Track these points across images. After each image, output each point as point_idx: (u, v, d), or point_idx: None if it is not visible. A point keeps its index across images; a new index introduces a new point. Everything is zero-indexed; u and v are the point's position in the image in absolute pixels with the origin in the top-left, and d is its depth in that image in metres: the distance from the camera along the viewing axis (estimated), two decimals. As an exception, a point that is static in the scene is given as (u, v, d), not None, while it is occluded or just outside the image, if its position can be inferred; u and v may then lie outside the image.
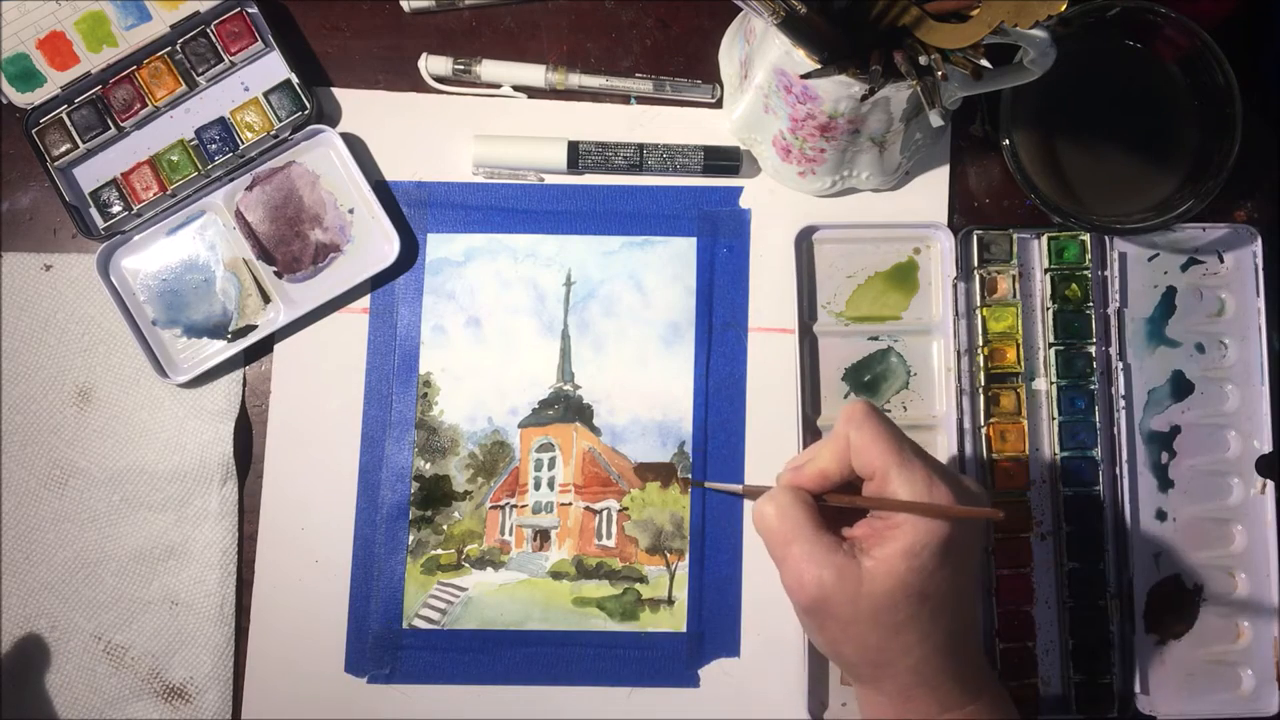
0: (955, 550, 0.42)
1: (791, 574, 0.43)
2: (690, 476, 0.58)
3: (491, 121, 0.61)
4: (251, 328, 0.59)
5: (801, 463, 0.45)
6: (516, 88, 0.61)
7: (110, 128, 0.58)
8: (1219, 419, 0.59)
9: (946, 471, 0.43)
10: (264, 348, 0.59)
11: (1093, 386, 0.58)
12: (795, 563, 0.42)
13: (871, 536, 0.43)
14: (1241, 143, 0.55)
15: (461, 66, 0.60)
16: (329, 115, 0.61)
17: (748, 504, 0.59)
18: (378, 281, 0.60)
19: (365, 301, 0.60)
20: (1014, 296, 0.59)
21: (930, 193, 0.61)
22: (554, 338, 0.60)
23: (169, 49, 0.59)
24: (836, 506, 0.44)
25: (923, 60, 0.45)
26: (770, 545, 0.44)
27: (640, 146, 0.59)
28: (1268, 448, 0.59)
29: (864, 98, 0.49)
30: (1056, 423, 0.58)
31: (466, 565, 0.58)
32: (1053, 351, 0.59)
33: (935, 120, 0.46)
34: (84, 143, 0.58)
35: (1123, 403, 0.58)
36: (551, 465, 0.59)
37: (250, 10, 0.58)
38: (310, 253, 0.59)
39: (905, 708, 0.43)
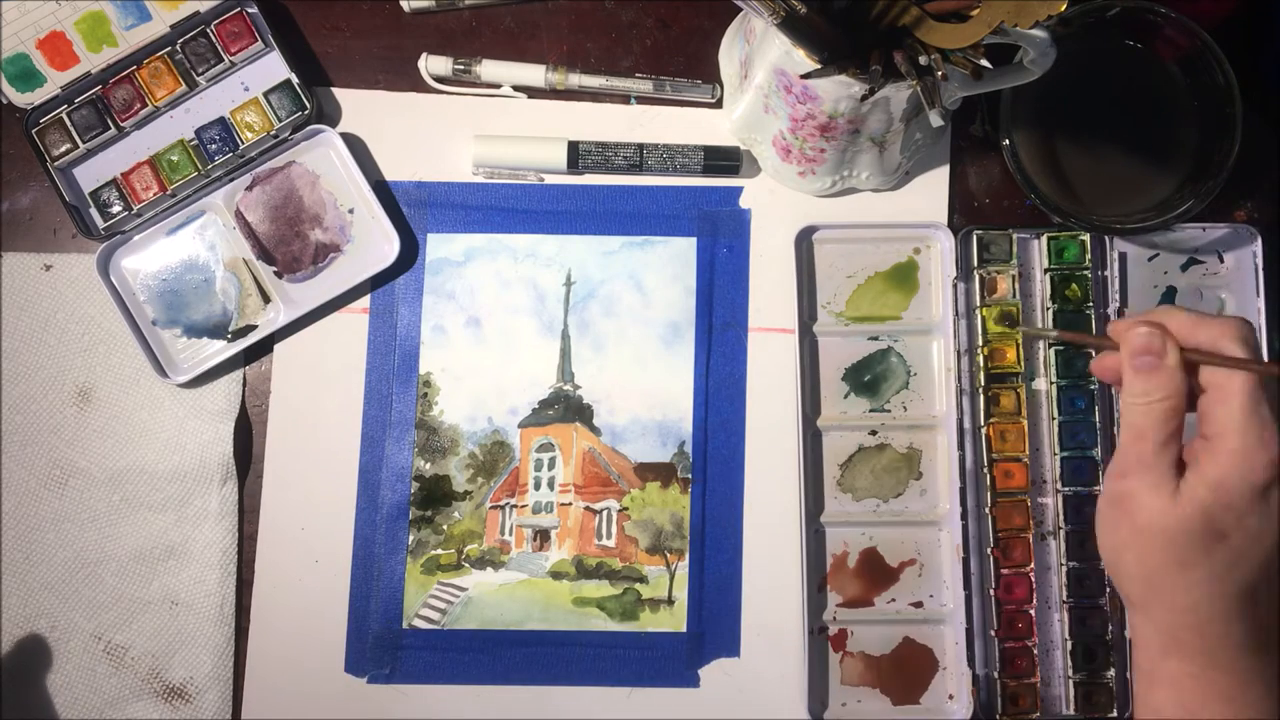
0: (1272, 501, 0.39)
1: (1121, 460, 0.41)
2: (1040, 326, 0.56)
3: (491, 121, 0.61)
4: (251, 328, 0.59)
5: (1180, 325, 0.40)
6: (516, 88, 0.61)
7: (110, 128, 0.58)
8: (1219, 419, 0.59)
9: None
10: (264, 348, 0.59)
11: (1093, 386, 0.58)
12: (1129, 456, 0.40)
13: (1189, 457, 0.40)
14: (1241, 143, 0.55)
15: (461, 66, 0.60)
16: (329, 115, 0.61)
17: (749, 502, 0.59)
18: (378, 281, 0.60)
19: (365, 301, 0.60)
20: (1014, 296, 0.59)
21: (930, 193, 0.61)
22: (554, 338, 0.60)
23: (169, 49, 0.59)
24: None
25: (923, 60, 0.45)
26: (1129, 421, 0.41)
27: (640, 146, 0.59)
28: (1268, 448, 0.59)
29: (864, 98, 0.49)
30: (1056, 423, 0.58)
31: (466, 565, 0.58)
32: (1053, 351, 0.59)
33: (935, 120, 0.46)
34: (84, 143, 0.58)
35: (1123, 403, 0.58)
36: (551, 465, 0.59)
37: (250, 10, 0.58)
38: (310, 253, 0.59)
39: (1168, 646, 0.40)
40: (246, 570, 0.58)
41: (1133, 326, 0.41)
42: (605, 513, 0.59)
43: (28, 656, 0.57)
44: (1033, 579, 0.58)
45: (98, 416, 0.59)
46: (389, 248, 0.59)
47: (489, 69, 0.60)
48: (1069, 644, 0.57)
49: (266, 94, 0.59)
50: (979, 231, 0.59)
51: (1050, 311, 0.59)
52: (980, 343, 0.58)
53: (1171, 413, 0.40)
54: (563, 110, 0.61)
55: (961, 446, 0.58)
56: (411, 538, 0.58)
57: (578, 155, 0.59)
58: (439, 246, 0.60)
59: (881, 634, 0.58)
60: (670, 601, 0.58)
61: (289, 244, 0.59)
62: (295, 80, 0.58)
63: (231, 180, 0.59)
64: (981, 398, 0.58)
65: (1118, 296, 0.59)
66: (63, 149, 0.58)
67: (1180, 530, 0.39)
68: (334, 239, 0.59)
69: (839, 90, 0.49)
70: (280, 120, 0.58)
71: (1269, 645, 0.40)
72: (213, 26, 0.58)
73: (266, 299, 0.59)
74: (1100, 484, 0.58)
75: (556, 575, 0.58)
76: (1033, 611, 0.57)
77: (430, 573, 0.58)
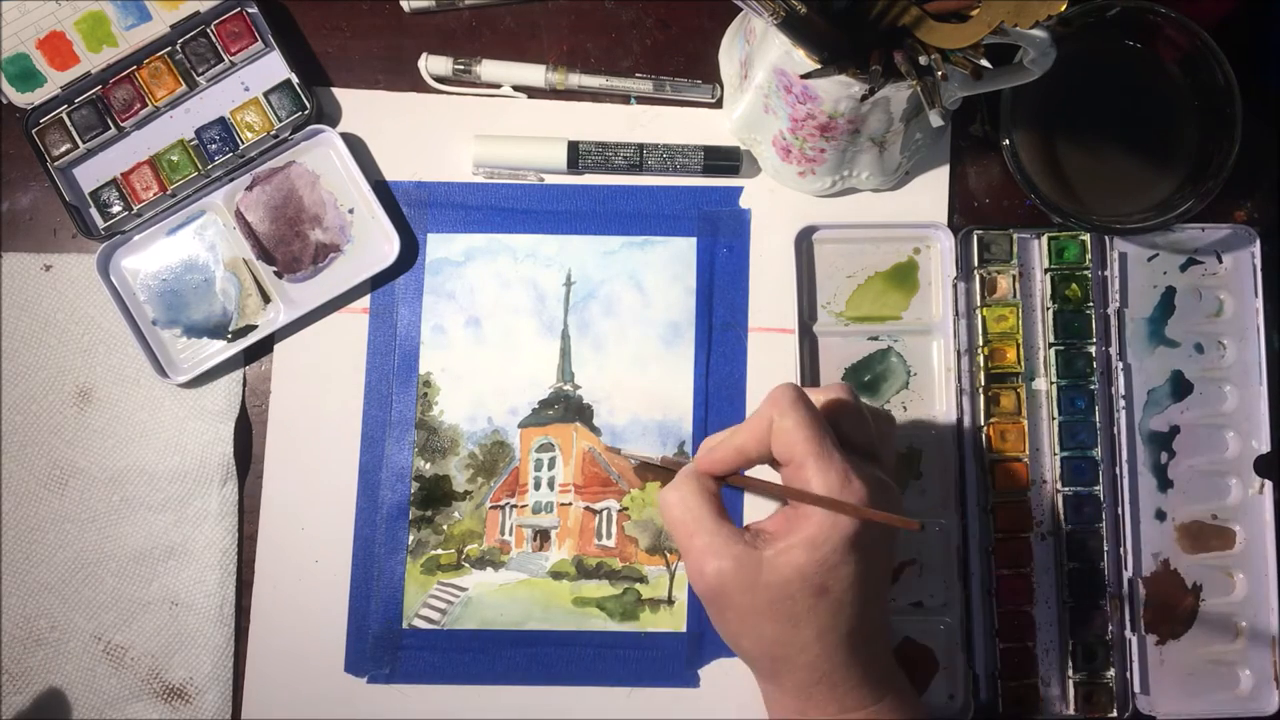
0: (862, 547, 0.41)
1: (693, 564, 0.42)
2: (615, 447, 0.59)
3: (491, 121, 0.61)
4: (251, 328, 0.59)
5: (717, 442, 0.44)
6: (516, 88, 0.61)
7: (110, 128, 0.58)
8: (1218, 419, 0.60)
9: (867, 469, 0.42)
10: (264, 348, 0.59)
11: (1093, 386, 0.58)
12: (696, 553, 0.42)
13: (780, 527, 0.42)
14: (1241, 143, 0.55)
15: (461, 66, 0.60)
16: (329, 115, 0.61)
17: (750, 501, 0.59)
18: (378, 281, 0.60)
19: (365, 301, 0.60)
20: (1014, 296, 0.59)
21: (930, 193, 0.61)
22: (554, 338, 0.60)
23: (169, 49, 0.59)
24: (758, 495, 0.45)
25: (923, 60, 0.45)
26: (673, 535, 0.43)
27: (640, 146, 0.60)
28: (1266, 448, 0.59)
29: (864, 98, 0.49)
30: (1056, 423, 0.58)
31: (466, 565, 0.58)
32: (1053, 351, 0.59)
33: (935, 120, 0.46)
34: (84, 143, 0.58)
35: (1123, 403, 0.59)
36: (551, 465, 0.59)
37: (250, 10, 0.58)
38: (310, 253, 0.59)
39: (804, 706, 0.43)
40: (246, 570, 0.58)
41: (671, 487, 0.44)
42: (605, 513, 0.59)
43: (28, 656, 0.57)
44: (1033, 579, 0.58)
45: (98, 417, 0.59)
46: (389, 248, 0.59)
47: (489, 69, 0.60)
48: (1069, 644, 0.57)
49: (266, 94, 0.59)
50: (979, 231, 0.59)
51: (1050, 311, 0.59)
52: (980, 343, 0.58)
53: (707, 508, 0.43)
54: (563, 110, 0.61)
55: (961, 446, 0.58)
56: (411, 538, 0.58)
57: (578, 155, 0.59)
58: (439, 246, 0.60)
59: (881, 634, 0.58)
60: (670, 601, 0.58)
61: (289, 244, 0.59)
62: (295, 80, 0.58)
63: (231, 180, 0.59)
64: (981, 398, 0.58)
65: (1118, 296, 0.59)
66: (63, 149, 0.58)
67: (783, 595, 0.41)
68: (334, 239, 0.59)
69: (839, 90, 0.49)
70: (280, 120, 0.58)
71: (884, 680, 0.44)
72: (213, 26, 0.58)
73: (266, 299, 0.59)
74: (1100, 484, 0.58)
75: (556, 575, 0.58)
76: (1033, 611, 0.57)
77: (430, 573, 0.58)
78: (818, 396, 0.44)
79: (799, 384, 0.58)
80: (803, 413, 0.42)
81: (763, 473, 0.46)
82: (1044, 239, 0.59)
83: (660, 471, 0.59)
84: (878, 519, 0.41)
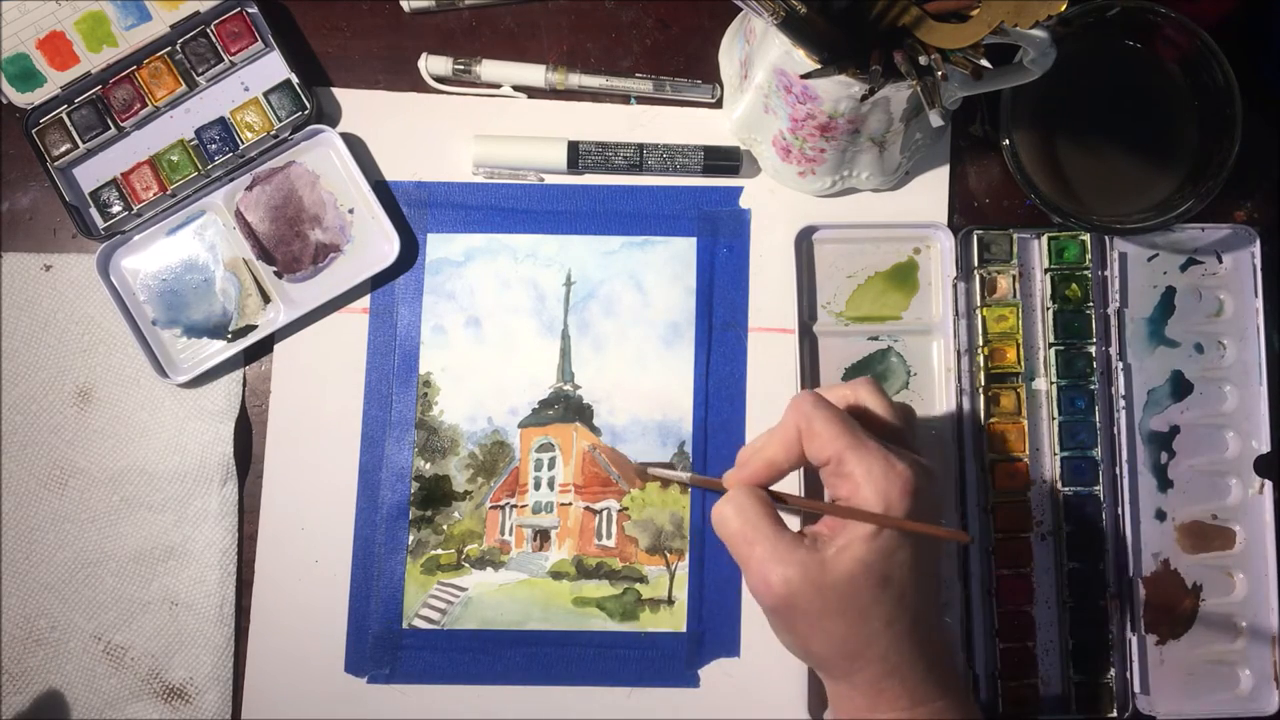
0: (912, 537, 0.42)
1: (757, 575, 0.42)
2: (643, 464, 0.59)
3: (491, 121, 0.61)
4: (251, 328, 0.59)
5: (748, 456, 0.45)
6: (516, 88, 0.61)
7: (110, 128, 0.58)
8: (1218, 419, 0.60)
9: (900, 451, 0.43)
10: (264, 348, 0.59)
11: (1093, 386, 0.58)
12: (759, 564, 0.42)
13: (832, 527, 0.43)
14: (1241, 143, 0.55)
15: (461, 66, 0.60)
16: (329, 115, 0.61)
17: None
18: (378, 281, 0.60)
19: (365, 301, 0.60)
20: (1014, 296, 0.59)
21: (930, 193, 0.61)
22: (554, 338, 0.60)
23: (169, 49, 0.59)
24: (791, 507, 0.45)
25: (923, 60, 0.45)
26: (733, 548, 0.44)
27: (640, 146, 0.59)
28: (1266, 448, 0.59)
29: (864, 98, 0.49)
30: (1056, 423, 0.58)
31: (466, 565, 0.58)
32: (1053, 351, 0.59)
33: (935, 120, 0.46)
34: (84, 143, 0.58)
35: (1123, 403, 0.59)
36: (551, 465, 0.59)
37: (250, 10, 0.58)
38: (310, 253, 0.59)
39: (876, 702, 0.43)
40: (246, 570, 0.58)
41: (725, 501, 0.44)
42: (605, 513, 0.59)
43: (28, 656, 0.57)
44: (1033, 579, 0.58)
45: (98, 417, 0.59)
46: (389, 248, 0.59)
47: (489, 69, 0.60)
48: (1069, 644, 0.57)
49: (266, 94, 0.59)
50: (979, 231, 0.59)
51: (1050, 311, 0.59)
52: (980, 343, 0.58)
53: (765, 517, 0.43)
54: (563, 110, 0.61)
55: (961, 446, 0.58)
56: (411, 538, 0.58)
57: (578, 155, 0.59)
58: (439, 246, 0.60)
59: (881, 634, 0.58)
60: (670, 601, 0.58)
61: (289, 244, 0.59)
62: (295, 80, 0.58)
63: (231, 180, 0.59)
64: (981, 398, 0.58)
65: (1118, 297, 0.59)
66: (63, 149, 0.58)
67: (850, 591, 0.42)
68: (334, 239, 0.59)
69: (839, 90, 0.49)
70: (280, 120, 0.58)
71: (947, 670, 0.44)
72: (213, 26, 0.58)
73: (266, 299, 0.59)
74: (1100, 484, 0.58)
75: (556, 575, 0.58)
76: (1033, 612, 0.57)
77: (430, 573, 0.58)
78: (841, 393, 0.45)
79: (809, 385, 0.58)
80: (828, 412, 0.43)
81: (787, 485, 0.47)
82: (1044, 239, 0.59)
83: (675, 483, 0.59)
84: (930, 532, 0.42)
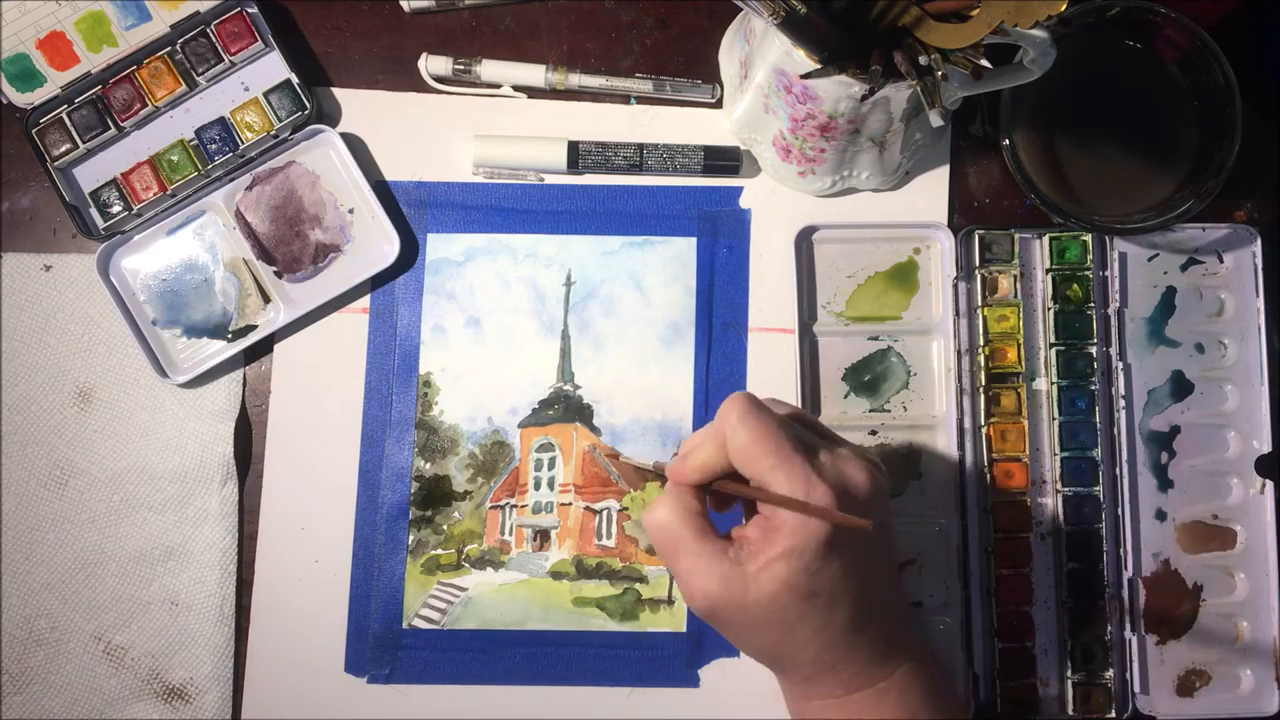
0: (843, 545, 0.41)
1: (682, 586, 0.43)
2: (612, 453, 0.59)
3: (491, 121, 0.61)
4: (251, 328, 0.59)
5: (685, 452, 0.44)
6: (516, 88, 0.61)
7: (110, 128, 0.58)
8: (1218, 419, 0.59)
9: (836, 466, 0.42)
10: (264, 348, 0.59)
11: (1093, 387, 0.58)
12: (683, 576, 0.42)
13: (759, 537, 0.42)
14: (1241, 143, 0.55)
15: (461, 66, 0.60)
16: (329, 115, 0.61)
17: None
18: (378, 281, 0.60)
19: (365, 301, 0.60)
20: (1015, 296, 0.59)
21: (930, 193, 0.61)
22: (554, 338, 0.60)
23: (169, 49, 0.59)
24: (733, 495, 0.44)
25: (923, 60, 0.45)
26: (660, 555, 0.43)
27: (640, 146, 0.59)
28: (1267, 448, 0.59)
29: (864, 98, 0.49)
30: (1057, 423, 0.58)
31: (466, 565, 0.58)
32: (1054, 352, 0.59)
33: (935, 120, 0.46)
34: (84, 143, 0.58)
35: (1123, 403, 0.59)
36: (551, 465, 0.59)
37: (250, 10, 0.58)
38: (310, 253, 0.59)
39: (811, 693, 0.44)
40: (246, 570, 0.58)
41: (654, 506, 0.43)
42: (605, 513, 0.59)
43: (28, 656, 0.57)
44: (1032, 579, 0.58)
45: (98, 417, 0.59)
46: (389, 248, 0.59)
47: (489, 69, 0.60)
48: (1068, 644, 0.57)
49: (266, 94, 0.59)
50: (981, 231, 0.59)
51: (1051, 312, 0.59)
52: (981, 343, 0.58)
53: (690, 528, 0.42)
54: (563, 110, 0.61)
55: (961, 446, 0.58)
56: (411, 538, 0.58)
57: (578, 155, 0.59)
58: (439, 246, 0.60)
59: (881, 634, 0.58)
60: (670, 601, 0.58)
61: (289, 244, 0.59)
62: (295, 80, 0.58)
63: (231, 180, 0.59)
64: (982, 398, 0.58)
65: (1118, 297, 0.59)
66: (63, 149, 0.58)
67: (774, 608, 0.41)
68: (334, 239, 0.59)
69: (839, 90, 0.49)
70: (280, 120, 0.58)
71: (896, 652, 0.44)
72: (213, 26, 0.58)
73: (266, 299, 0.59)
74: (1100, 484, 0.58)
75: (556, 575, 0.58)
76: (1032, 612, 0.57)
77: (430, 573, 0.58)
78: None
79: (809, 385, 0.58)
80: (754, 423, 0.41)
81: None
82: (1045, 239, 0.59)
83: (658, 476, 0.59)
84: (836, 520, 0.40)
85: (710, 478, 0.43)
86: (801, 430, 0.43)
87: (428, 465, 0.59)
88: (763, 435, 0.41)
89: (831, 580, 0.41)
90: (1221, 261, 0.60)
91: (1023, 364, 0.58)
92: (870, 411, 0.59)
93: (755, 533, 0.42)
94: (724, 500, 0.46)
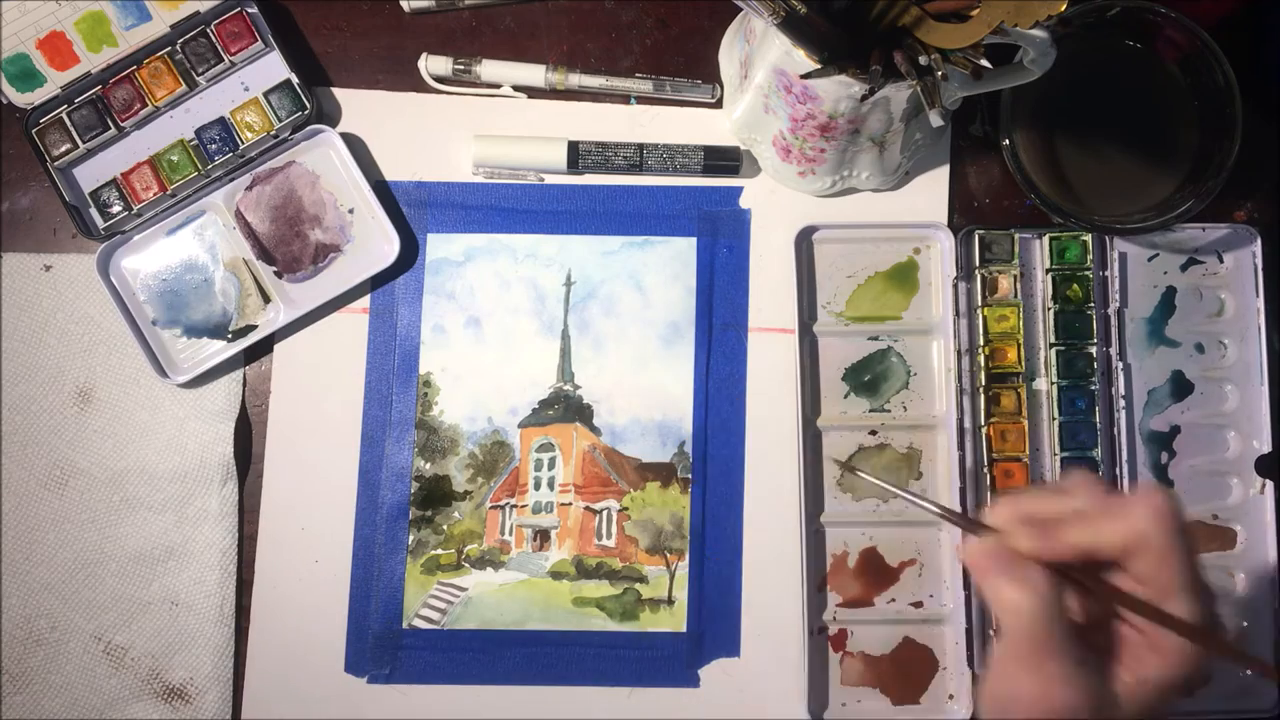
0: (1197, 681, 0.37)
1: (1037, 689, 0.35)
2: (858, 469, 0.53)
3: (491, 121, 0.61)
4: (251, 328, 0.59)
5: (1050, 515, 0.37)
6: (516, 88, 0.61)
7: (110, 128, 0.58)
8: (1219, 419, 0.59)
9: (1212, 609, 0.36)
10: (264, 348, 0.59)
11: (1093, 387, 0.58)
12: (1046, 679, 0.35)
13: (1120, 651, 0.37)
14: (1241, 143, 0.55)
15: (461, 66, 0.60)
16: (329, 115, 0.61)
17: (749, 502, 0.59)
18: (378, 281, 0.60)
19: (365, 301, 0.60)
20: (1015, 296, 0.59)
21: (930, 193, 0.61)
22: (554, 338, 0.60)
23: (169, 49, 0.59)
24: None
25: (923, 60, 0.45)
26: (1012, 642, 0.36)
27: (640, 146, 0.59)
28: (1267, 448, 0.59)
29: (864, 98, 0.49)
30: (1057, 423, 0.58)
31: (466, 565, 0.58)
32: (1054, 352, 0.59)
33: (935, 120, 0.46)
34: (84, 143, 0.58)
35: (1123, 403, 0.59)
36: (551, 465, 0.59)
37: (250, 10, 0.58)
38: (310, 253, 0.59)
39: None
40: (246, 570, 0.58)
41: (1020, 584, 0.36)
42: (605, 513, 0.59)
43: (28, 656, 0.57)
44: (1033, 579, 0.58)
45: (98, 417, 0.59)
46: (389, 248, 0.59)
47: (489, 69, 0.60)
48: (1069, 644, 0.57)
49: (266, 94, 0.59)
50: (981, 231, 0.59)
51: (1051, 312, 0.59)
52: (981, 342, 0.58)
53: (1065, 625, 0.36)
54: (563, 110, 0.61)
55: (961, 446, 0.58)
56: (411, 538, 0.58)
57: (578, 155, 0.59)
58: (439, 246, 0.60)
59: (881, 634, 0.58)
60: (670, 601, 0.58)
61: (289, 244, 0.59)
62: (295, 80, 0.58)
63: (231, 180, 0.59)
64: (982, 398, 0.58)
65: (1118, 297, 0.59)
66: (63, 149, 0.58)
67: None
68: (334, 239, 0.59)
69: (839, 90, 0.49)
70: (280, 120, 0.58)
71: None
72: (213, 26, 0.58)
73: (266, 299, 0.59)
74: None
75: (556, 575, 0.58)
76: (1033, 611, 0.57)
77: (430, 573, 0.58)
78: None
79: (809, 385, 0.58)
80: (1179, 537, 0.36)
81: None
82: (1045, 239, 0.59)
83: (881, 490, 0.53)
84: (1255, 666, 0.37)
85: (1080, 562, 0.37)
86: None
87: (428, 465, 0.59)
88: (1184, 551, 0.36)
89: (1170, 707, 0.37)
90: (1221, 261, 0.60)
91: (1023, 364, 0.58)
92: (870, 411, 0.59)
93: (1110, 640, 0.37)
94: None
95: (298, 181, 0.60)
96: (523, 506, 0.59)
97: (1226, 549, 0.59)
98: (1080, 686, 0.35)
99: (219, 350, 0.58)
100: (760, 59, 0.52)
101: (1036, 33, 0.45)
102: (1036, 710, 0.35)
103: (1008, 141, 0.56)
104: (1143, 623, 0.36)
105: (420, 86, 0.61)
